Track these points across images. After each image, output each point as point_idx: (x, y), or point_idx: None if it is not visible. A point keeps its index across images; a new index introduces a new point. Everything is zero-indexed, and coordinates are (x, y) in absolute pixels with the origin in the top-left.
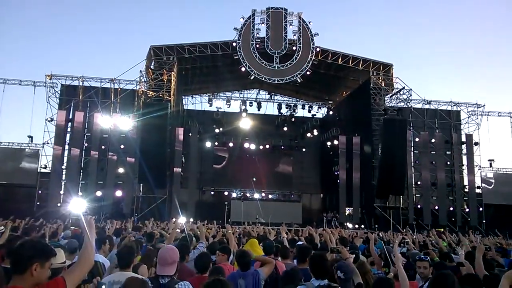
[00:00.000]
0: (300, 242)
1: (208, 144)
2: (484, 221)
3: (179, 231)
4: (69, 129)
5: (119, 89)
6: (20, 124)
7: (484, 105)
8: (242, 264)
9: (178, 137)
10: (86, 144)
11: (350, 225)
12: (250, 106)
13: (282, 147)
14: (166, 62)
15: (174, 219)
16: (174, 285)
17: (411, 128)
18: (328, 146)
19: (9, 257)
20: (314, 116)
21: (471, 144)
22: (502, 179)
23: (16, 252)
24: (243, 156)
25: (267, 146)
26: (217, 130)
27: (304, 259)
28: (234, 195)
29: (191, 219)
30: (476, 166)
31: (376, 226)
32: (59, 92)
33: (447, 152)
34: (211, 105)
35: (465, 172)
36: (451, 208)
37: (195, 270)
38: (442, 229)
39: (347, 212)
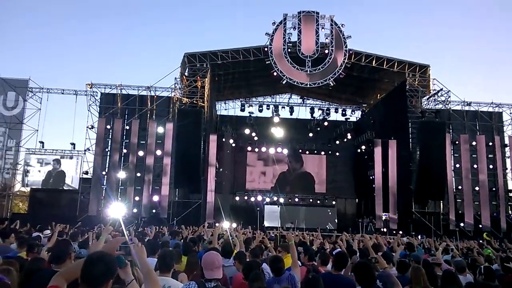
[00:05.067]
0: (338, 250)
1: (241, 149)
2: None
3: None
4: (109, 136)
5: (155, 96)
6: (63, 131)
7: None
8: (275, 269)
9: (211, 142)
10: (125, 150)
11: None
12: (283, 110)
13: (315, 151)
14: (200, 68)
15: (217, 224)
16: None
17: (451, 130)
18: (363, 150)
19: (86, 273)
20: (348, 120)
21: None
22: None
23: (93, 268)
24: (276, 160)
25: (300, 151)
26: (250, 135)
27: (340, 267)
28: (267, 199)
29: (234, 224)
30: None
31: (414, 232)
32: (99, 100)
33: (490, 156)
34: (243, 110)
35: (509, 175)
36: (495, 214)
37: (243, 276)
38: (488, 237)
39: (384, 217)
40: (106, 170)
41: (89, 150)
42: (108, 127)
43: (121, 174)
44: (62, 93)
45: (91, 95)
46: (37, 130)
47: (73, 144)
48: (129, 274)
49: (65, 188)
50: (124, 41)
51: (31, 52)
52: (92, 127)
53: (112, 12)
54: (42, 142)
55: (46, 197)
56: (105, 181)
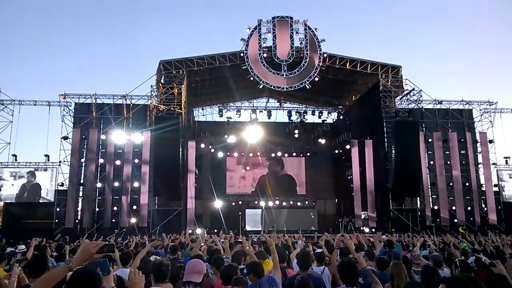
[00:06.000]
0: (319, 250)
1: (220, 154)
2: (503, 220)
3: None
4: (84, 147)
5: (131, 105)
6: (36, 143)
7: (497, 102)
8: (255, 273)
9: (190, 149)
10: (101, 160)
11: (366, 230)
12: (261, 114)
13: (294, 154)
14: (176, 75)
15: (200, 231)
16: None
17: (424, 129)
18: (340, 151)
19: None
20: (325, 122)
21: (485, 142)
22: None
23: (79, 285)
24: (255, 164)
25: (279, 154)
26: (228, 140)
27: (305, 266)
28: (248, 203)
29: (199, 230)
30: (492, 164)
31: (393, 229)
32: (73, 110)
33: (462, 152)
34: (221, 116)
35: (481, 170)
36: (469, 208)
37: (221, 281)
38: (464, 230)
39: (363, 216)
40: (82, 181)
41: (64, 161)
42: (83, 137)
43: (98, 185)
44: (35, 105)
45: (65, 106)
46: (9, 143)
47: (47, 156)
48: (111, 282)
49: (40, 201)
50: (98, 50)
51: (1, 64)
52: (67, 137)
53: (84, 20)
54: (15, 155)
55: (21, 211)
56: (81, 192)
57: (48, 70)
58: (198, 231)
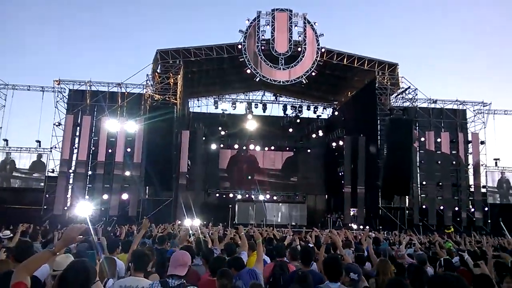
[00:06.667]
0: (310, 245)
1: (213, 146)
2: (489, 221)
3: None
4: (76, 134)
5: (126, 93)
6: (29, 129)
7: (490, 103)
8: (236, 266)
9: (184, 139)
10: (93, 148)
11: (355, 226)
12: (256, 108)
13: (288, 148)
14: (172, 65)
15: (189, 222)
16: None
17: (417, 127)
18: (333, 147)
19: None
20: (320, 117)
21: (477, 143)
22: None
23: (73, 278)
24: (248, 157)
25: (273, 148)
26: (222, 132)
27: (307, 262)
28: (239, 196)
29: (198, 221)
30: (482, 165)
31: (381, 227)
32: (67, 97)
33: (453, 152)
34: (216, 108)
35: (470, 171)
36: (456, 208)
37: (209, 272)
38: (451, 230)
39: (352, 213)
40: (73, 168)
41: (55, 147)
42: (76, 124)
43: (89, 172)
44: (28, 90)
45: (59, 92)
46: (1, 128)
47: (38, 141)
48: (96, 275)
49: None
50: (94, 36)
51: None
52: (59, 124)
53: (81, 5)
54: (6, 140)
55: (9, 196)
56: (72, 179)
57: (43, 55)
58: (196, 222)
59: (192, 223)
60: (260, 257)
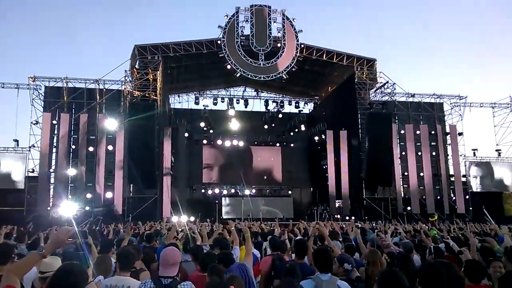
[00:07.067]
0: (298, 237)
1: (196, 142)
2: (470, 209)
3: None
4: (55, 132)
5: (104, 90)
6: (5, 128)
7: (466, 96)
8: (225, 262)
9: (166, 136)
10: (73, 146)
11: (340, 217)
12: (237, 103)
13: (271, 143)
14: (151, 61)
15: (176, 219)
16: (177, 285)
17: (396, 121)
18: (316, 141)
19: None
20: (301, 112)
21: (455, 135)
22: (484, 167)
23: (64, 281)
24: (231, 153)
25: (255, 143)
26: (205, 128)
27: (301, 254)
28: (224, 192)
29: (192, 218)
30: (461, 155)
31: (366, 217)
32: (43, 94)
33: (432, 143)
34: (197, 104)
35: (450, 161)
36: (438, 197)
37: (199, 268)
38: (435, 218)
39: (337, 204)
40: (54, 168)
41: (34, 146)
42: (54, 122)
43: (71, 171)
44: (3, 87)
45: (34, 89)
46: None
47: (16, 140)
48: (90, 277)
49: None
50: (69, 31)
51: None
52: (37, 122)
53: (56, 1)
54: None
55: None
56: (53, 179)
57: (17, 52)
58: (183, 218)
59: (179, 219)
60: (249, 251)
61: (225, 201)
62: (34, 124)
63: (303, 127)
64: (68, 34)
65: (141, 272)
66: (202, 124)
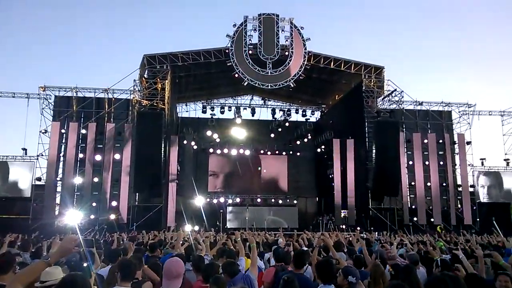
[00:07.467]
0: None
1: (203, 151)
2: (478, 220)
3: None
4: (63, 141)
5: (113, 99)
6: (14, 136)
7: (475, 104)
8: (229, 272)
9: (173, 145)
10: (81, 155)
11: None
12: (245, 111)
13: (277, 152)
14: (160, 70)
15: (181, 229)
16: None
17: (404, 129)
18: (322, 150)
19: None
20: (308, 120)
21: (463, 144)
22: (492, 177)
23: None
24: (238, 162)
25: (262, 151)
26: (211, 137)
27: (300, 265)
28: (230, 201)
29: (196, 227)
30: (469, 165)
31: (372, 228)
32: (52, 103)
33: (440, 152)
34: (205, 112)
35: (458, 171)
36: (445, 208)
37: (202, 279)
38: (441, 229)
39: (343, 214)
40: (61, 176)
41: (42, 155)
42: (63, 131)
43: (77, 180)
44: (13, 97)
45: (44, 98)
46: None
47: (24, 149)
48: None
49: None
50: (80, 41)
51: None
52: (46, 131)
53: (66, 11)
54: None
55: None
56: (59, 187)
57: (28, 62)
58: (188, 228)
59: (183, 229)
60: (255, 261)
61: (230, 210)
62: (43, 133)
63: (309, 136)
64: (79, 44)
65: (143, 284)
66: (209, 133)
